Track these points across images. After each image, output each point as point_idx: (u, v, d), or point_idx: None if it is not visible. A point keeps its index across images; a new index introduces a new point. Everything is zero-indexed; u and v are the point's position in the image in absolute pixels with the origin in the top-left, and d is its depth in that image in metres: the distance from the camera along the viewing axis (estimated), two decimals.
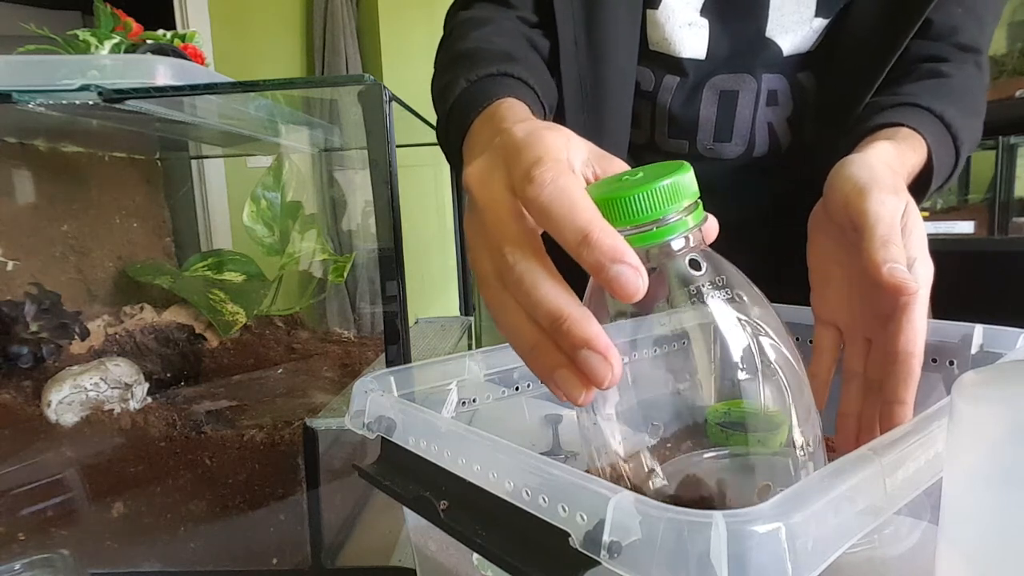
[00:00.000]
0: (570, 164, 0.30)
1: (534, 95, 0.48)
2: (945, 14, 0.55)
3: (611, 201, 0.27)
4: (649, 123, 0.64)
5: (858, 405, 0.39)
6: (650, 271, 0.26)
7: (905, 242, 0.36)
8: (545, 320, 0.26)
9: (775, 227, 0.66)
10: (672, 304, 0.29)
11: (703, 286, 0.28)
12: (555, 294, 0.26)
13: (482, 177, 0.30)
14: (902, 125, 0.48)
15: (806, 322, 0.51)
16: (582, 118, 0.60)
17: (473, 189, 0.30)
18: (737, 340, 0.29)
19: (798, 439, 0.30)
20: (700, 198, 0.28)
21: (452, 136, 0.46)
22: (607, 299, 0.29)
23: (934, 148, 0.47)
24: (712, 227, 0.31)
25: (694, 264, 0.28)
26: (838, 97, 0.59)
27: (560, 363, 0.26)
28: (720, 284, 0.29)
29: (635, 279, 0.24)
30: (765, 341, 0.30)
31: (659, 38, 0.60)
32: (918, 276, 0.36)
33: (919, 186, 0.49)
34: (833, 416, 0.43)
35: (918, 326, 0.35)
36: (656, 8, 0.59)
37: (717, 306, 0.29)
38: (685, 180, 0.27)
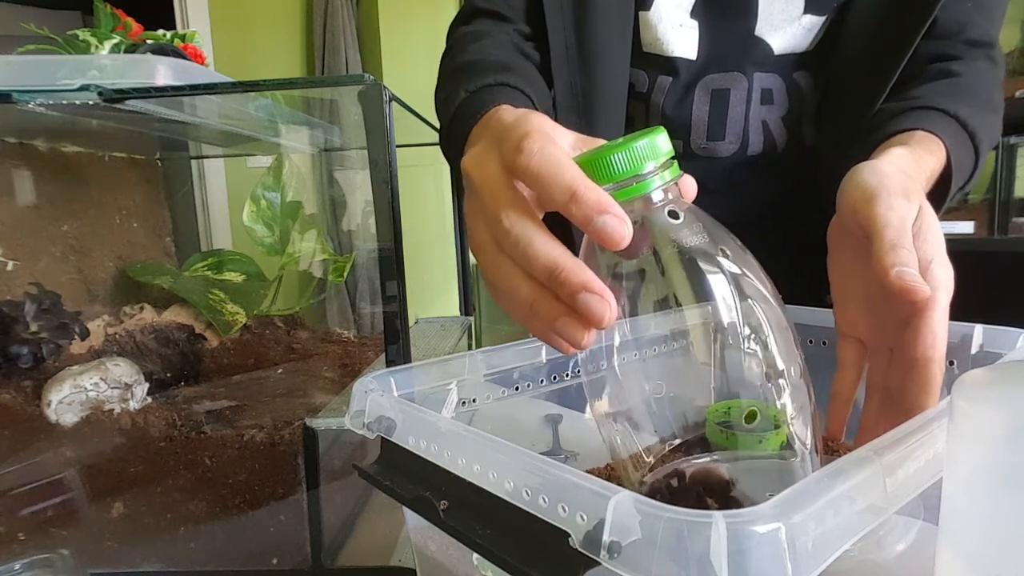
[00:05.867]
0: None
1: (529, 102, 0.50)
2: (952, 11, 0.54)
3: (594, 162, 0.30)
4: (644, 123, 0.64)
5: (879, 418, 0.38)
6: (634, 223, 0.29)
7: (919, 245, 0.36)
8: (542, 273, 0.28)
9: (773, 226, 0.66)
10: (658, 254, 0.31)
11: (683, 234, 0.31)
12: (550, 248, 0.28)
13: (478, 160, 0.33)
14: (916, 129, 0.47)
15: (809, 322, 0.51)
16: (574, 120, 0.60)
17: (470, 172, 0.33)
18: (717, 281, 0.30)
19: (780, 367, 0.31)
20: (675, 157, 0.31)
21: (454, 143, 0.47)
22: (597, 254, 0.32)
23: (952, 148, 0.47)
24: (690, 187, 0.33)
25: (672, 214, 0.31)
26: (839, 99, 0.59)
27: (560, 312, 0.28)
28: (699, 230, 0.31)
29: (620, 227, 0.27)
30: (746, 283, 0.31)
31: (651, 39, 0.61)
32: (936, 279, 0.35)
33: (940, 188, 0.48)
34: (827, 418, 0.42)
35: (936, 330, 0.34)
36: (648, 10, 0.59)
37: (699, 252, 0.31)
38: (659, 140, 0.30)
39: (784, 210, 0.66)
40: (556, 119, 0.60)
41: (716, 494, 0.30)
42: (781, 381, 0.31)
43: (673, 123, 0.63)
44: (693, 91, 0.61)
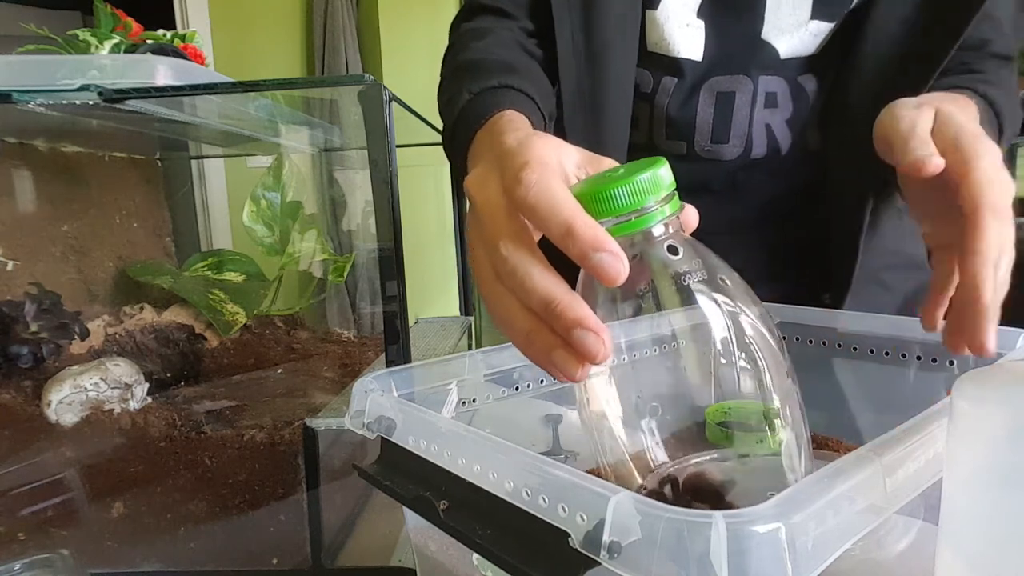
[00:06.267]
0: (561, 167, 0.33)
1: (533, 105, 0.49)
2: (974, 29, 0.55)
3: (594, 195, 0.29)
4: (647, 125, 0.64)
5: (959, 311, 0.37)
6: (633, 258, 0.28)
7: (940, 131, 0.37)
8: (538, 306, 0.28)
9: (776, 228, 0.66)
10: (656, 288, 0.31)
11: (682, 269, 0.30)
12: (547, 282, 0.28)
13: (480, 183, 0.33)
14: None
15: (806, 322, 0.51)
16: (580, 120, 0.60)
17: (472, 194, 0.33)
18: (715, 318, 0.30)
19: (776, 405, 0.31)
20: (676, 189, 0.31)
21: (457, 147, 0.47)
22: (595, 286, 0.31)
23: (980, 112, 0.48)
24: (692, 218, 0.33)
25: (672, 249, 0.30)
26: (851, 102, 0.59)
27: (555, 344, 0.28)
28: (698, 267, 0.31)
29: (616, 264, 0.27)
30: (744, 320, 0.31)
31: (657, 39, 0.60)
32: (966, 150, 0.35)
33: None
34: (826, 418, 0.42)
35: (981, 181, 0.34)
36: (655, 8, 0.59)
37: (696, 288, 0.30)
38: (661, 173, 0.29)
39: (786, 212, 0.66)
40: (561, 117, 0.60)
41: (709, 501, 0.30)
42: (776, 421, 0.31)
43: (677, 125, 0.62)
44: (698, 93, 0.61)
